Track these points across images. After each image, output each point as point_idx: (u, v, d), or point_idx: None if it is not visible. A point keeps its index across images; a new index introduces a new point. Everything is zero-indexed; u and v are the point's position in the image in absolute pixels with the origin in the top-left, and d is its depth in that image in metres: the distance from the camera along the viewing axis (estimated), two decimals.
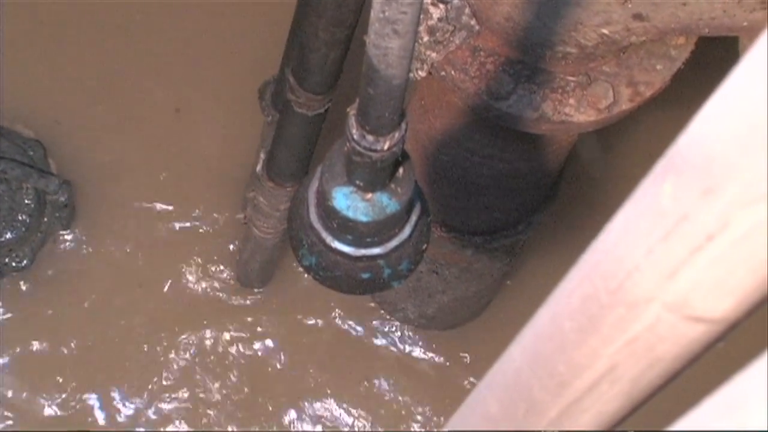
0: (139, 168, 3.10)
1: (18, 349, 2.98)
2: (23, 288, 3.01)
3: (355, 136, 1.23)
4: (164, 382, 3.01)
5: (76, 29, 3.14)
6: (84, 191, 3.06)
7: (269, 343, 3.08)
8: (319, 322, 3.11)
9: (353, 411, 3.07)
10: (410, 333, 3.13)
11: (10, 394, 2.95)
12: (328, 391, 3.07)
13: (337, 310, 3.11)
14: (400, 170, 1.34)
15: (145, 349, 3.02)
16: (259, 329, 3.08)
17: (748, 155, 0.55)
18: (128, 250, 3.06)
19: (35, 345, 2.99)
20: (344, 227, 1.37)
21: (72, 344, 3.00)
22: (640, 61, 1.85)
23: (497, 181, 2.22)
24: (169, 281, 3.07)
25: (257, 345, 3.07)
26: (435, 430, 3.05)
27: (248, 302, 3.09)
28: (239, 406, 3.03)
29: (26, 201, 2.94)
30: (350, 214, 1.34)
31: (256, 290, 3.09)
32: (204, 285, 3.08)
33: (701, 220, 0.58)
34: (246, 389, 3.04)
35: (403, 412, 3.09)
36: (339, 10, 1.92)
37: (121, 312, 3.03)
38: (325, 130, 2.34)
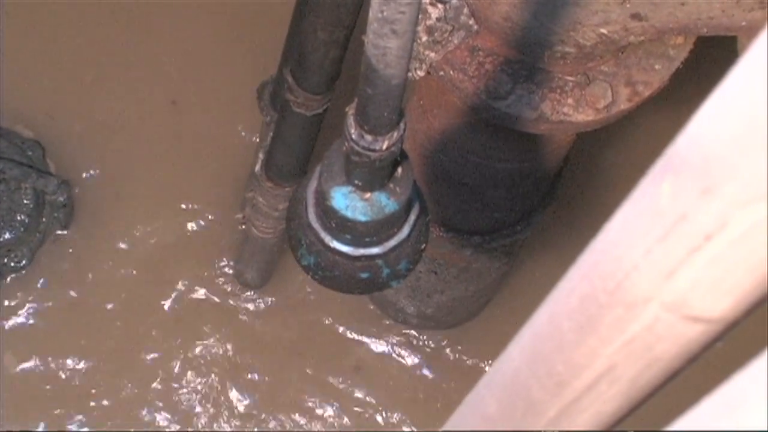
0: (139, 168, 3.10)
1: (16, 349, 2.98)
2: (22, 288, 3.01)
3: (353, 136, 1.23)
4: (163, 382, 3.01)
5: (76, 30, 3.14)
6: (82, 191, 3.06)
7: (268, 343, 3.08)
8: (318, 321, 3.10)
9: (351, 411, 3.07)
10: (409, 333, 3.13)
11: (6, 394, 2.95)
12: (327, 391, 3.07)
13: (335, 310, 3.11)
14: (399, 170, 1.34)
15: (144, 349, 3.02)
16: (258, 329, 3.08)
17: (747, 155, 0.55)
18: (127, 250, 3.06)
19: (35, 345, 2.99)
20: (343, 227, 1.37)
21: (71, 344, 3.00)
22: (638, 61, 1.85)
23: (496, 181, 2.21)
24: (168, 281, 3.07)
25: (257, 345, 3.07)
26: (434, 430, 3.05)
27: (247, 302, 3.09)
28: (239, 406, 3.03)
29: (25, 201, 2.94)
30: (349, 213, 1.34)
31: (255, 290, 3.09)
32: (203, 284, 3.08)
33: (700, 220, 0.58)
34: (246, 390, 3.04)
35: (400, 413, 3.08)
36: (337, 10, 1.92)
37: (120, 312, 3.03)
38: (323, 130, 2.34)
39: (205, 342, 3.04)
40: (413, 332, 3.12)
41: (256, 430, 3.02)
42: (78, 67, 3.12)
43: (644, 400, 0.72)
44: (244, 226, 2.85)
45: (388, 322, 3.12)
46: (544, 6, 1.69)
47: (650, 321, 0.64)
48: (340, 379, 3.08)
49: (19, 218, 2.93)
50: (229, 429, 3.02)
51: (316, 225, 1.40)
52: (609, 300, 0.66)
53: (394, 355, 3.11)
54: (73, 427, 2.97)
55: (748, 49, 0.56)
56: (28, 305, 3.01)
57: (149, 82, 3.14)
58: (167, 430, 2.99)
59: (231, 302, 3.08)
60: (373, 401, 3.08)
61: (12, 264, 2.97)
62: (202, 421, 3.01)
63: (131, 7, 3.16)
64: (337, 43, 2.00)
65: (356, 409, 3.07)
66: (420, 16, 1.75)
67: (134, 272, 3.05)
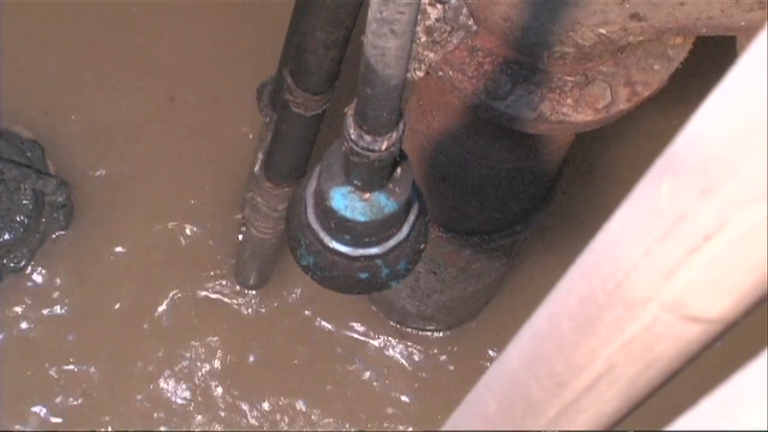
0: (138, 169, 3.10)
1: (16, 350, 2.98)
2: (21, 289, 3.01)
3: (352, 136, 1.23)
4: (163, 383, 3.01)
5: (76, 30, 3.14)
6: (82, 192, 3.06)
7: (268, 343, 3.08)
8: (318, 322, 3.10)
9: (351, 412, 3.07)
10: (408, 333, 3.13)
11: (5, 395, 2.95)
12: (326, 391, 3.07)
13: (335, 310, 3.11)
14: (398, 170, 1.34)
15: (144, 349, 3.02)
16: (257, 330, 3.08)
17: (746, 155, 0.55)
18: (126, 251, 3.06)
19: (34, 346, 2.99)
20: (342, 227, 1.37)
21: (71, 346, 3.00)
22: (637, 61, 1.85)
23: (495, 181, 2.22)
24: (168, 281, 3.07)
25: (256, 346, 3.07)
26: (433, 430, 3.05)
27: (247, 303, 3.09)
28: (238, 407, 3.03)
29: (24, 202, 2.94)
30: (348, 214, 1.34)
31: (254, 291, 3.09)
32: (202, 285, 3.08)
33: (699, 220, 0.58)
34: (246, 390, 3.04)
35: (400, 413, 3.08)
36: (336, 10, 1.92)
37: (120, 312, 3.03)
38: (323, 130, 2.34)
39: (204, 342, 3.04)
40: (413, 332, 3.12)
41: (255, 430, 3.02)
42: (78, 67, 3.12)
43: (644, 400, 0.72)
44: (243, 227, 2.85)
45: (387, 323, 3.12)
46: (543, 6, 1.69)
47: (649, 321, 0.64)
48: (340, 380, 3.08)
49: (18, 219, 2.93)
50: (229, 429, 3.02)
51: (315, 225, 1.40)
52: (608, 300, 0.66)
53: (393, 355, 3.11)
54: (73, 427, 2.97)
55: (748, 49, 0.56)
56: (27, 306, 3.01)
57: (149, 82, 3.14)
58: (164, 430, 2.99)
59: (230, 303, 3.08)
60: (373, 401, 3.08)
61: (11, 265, 2.97)
62: (202, 422, 3.01)
63: (131, 8, 3.16)
64: (337, 43, 2.00)
65: (356, 409, 3.07)
66: (419, 17, 1.75)
67: (134, 272, 3.05)
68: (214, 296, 3.08)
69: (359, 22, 1.81)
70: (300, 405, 3.05)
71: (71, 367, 2.99)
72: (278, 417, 3.04)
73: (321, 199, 1.36)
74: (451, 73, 1.86)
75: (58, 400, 2.97)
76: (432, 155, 2.21)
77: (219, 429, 3.01)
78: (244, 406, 3.03)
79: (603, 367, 0.69)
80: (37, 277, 3.02)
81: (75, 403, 2.98)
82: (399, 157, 1.31)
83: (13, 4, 3.12)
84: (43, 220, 2.99)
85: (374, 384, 3.08)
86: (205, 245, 3.09)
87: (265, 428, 3.03)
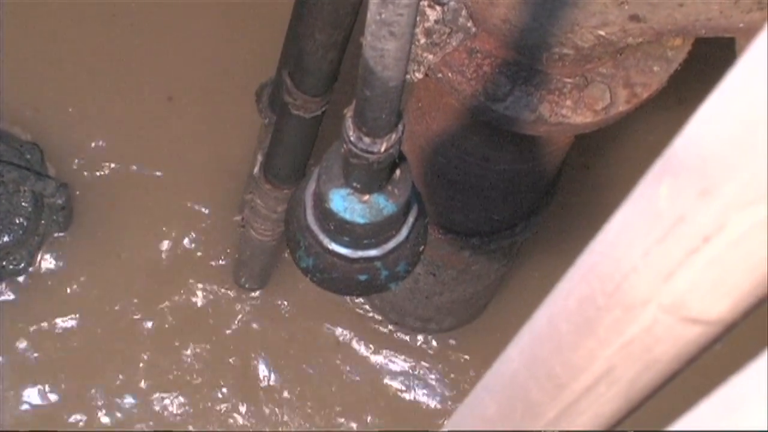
0: (137, 171, 3.10)
1: (14, 351, 2.98)
2: (21, 291, 3.01)
3: (351, 138, 1.23)
4: (162, 384, 3.01)
5: (76, 32, 3.14)
6: (81, 194, 3.06)
7: (268, 344, 3.08)
8: (317, 324, 3.10)
9: (351, 412, 3.07)
10: (408, 335, 3.12)
11: (7, 394, 2.95)
12: (326, 392, 3.07)
13: (334, 312, 3.11)
14: (397, 172, 1.34)
15: (143, 350, 3.02)
16: (257, 331, 3.08)
17: (745, 156, 0.55)
18: (125, 252, 3.06)
19: (33, 346, 2.99)
20: (341, 229, 1.37)
21: (70, 346, 3.00)
22: (636, 63, 1.85)
23: (495, 183, 2.22)
24: (167, 282, 3.06)
25: (256, 347, 3.07)
26: (433, 431, 3.05)
27: (246, 304, 3.09)
28: (238, 407, 3.03)
29: (23, 204, 2.94)
30: (347, 216, 1.34)
31: (254, 292, 3.09)
32: (201, 286, 3.08)
33: (698, 221, 0.58)
34: (245, 391, 3.04)
35: (401, 413, 3.08)
36: (336, 12, 1.92)
37: (119, 313, 3.03)
38: (322, 132, 2.34)
39: (203, 344, 3.04)
40: (412, 334, 3.12)
41: (254, 430, 3.03)
42: (77, 69, 3.12)
43: (643, 401, 0.71)
44: (242, 229, 2.85)
45: (387, 325, 3.12)
46: (542, 8, 1.69)
47: (649, 323, 0.64)
48: (340, 381, 3.08)
49: (17, 221, 2.93)
50: (227, 429, 3.02)
51: (314, 227, 1.40)
52: (607, 302, 0.66)
53: (393, 357, 3.11)
54: (72, 427, 2.97)
55: (747, 51, 0.56)
56: (26, 307, 3.01)
57: (149, 84, 3.14)
58: (166, 430, 3.00)
59: (230, 304, 3.08)
60: (373, 401, 3.08)
61: (11, 267, 2.97)
62: (202, 423, 3.01)
63: (131, 10, 3.16)
64: (336, 45, 2.00)
65: (356, 409, 3.07)
66: (418, 19, 1.75)
67: (133, 273, 3.05)
68: (213, 297, 3.08)
69: (358, 23, 1.81)
70: (300, 405, 3.05)
71: (70, 366, 2.99)
72: (278, 417, 3.04)
73: (320, 201, 1.36)
74: (450, 74, 1.86)
75: (58, 399, 2.97)
76: (431, 157, 2.21)
77: (218, 429, 3.01)
78: (244, 407, 3.03)
79: (602, 369, 0.69)
80: (37, 279, 3.02)
81: (74, 403, 2.98)
82: (398, 159, 1.31)
83: (13, 5, 3.12)
84: (43, 222, 2.99)
85: (374, 384, 3.08)
86: (204, 247, 3.09)
87: (265, 429, 3.03)
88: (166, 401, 3.01)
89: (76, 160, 3.08)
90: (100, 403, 2.99)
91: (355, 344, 3.10)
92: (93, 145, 3.09)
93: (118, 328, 3.02)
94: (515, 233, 2.46)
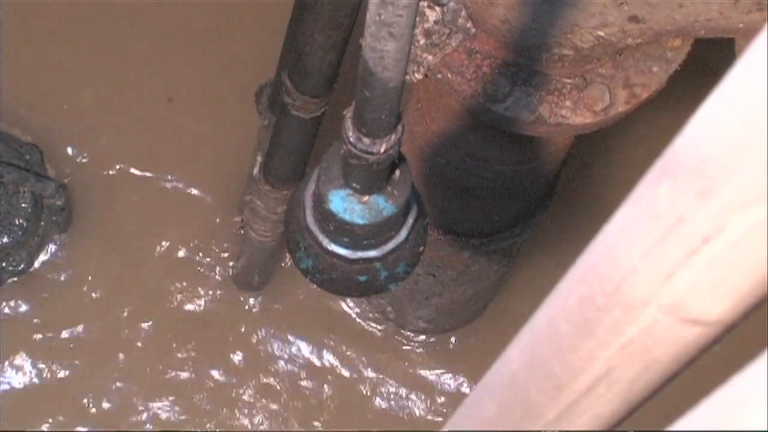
0: (137, 172, 3.10)
1: (14, 352, 2.98)
2: (21, 292, 3.01)
3: (351, 139, 1.23)
4: (162, 385, 3.01)
5: (76, 33, 3.14)
6: (81, 195, 3.06)
7: (268, 345, 3.07)
8: (317, 324, 3.10)
9: (351, 412, 3.07)
10: (408, 336, 3.12)
11: (3, 398, 2.95)
12: (326, 392, 3.06)
13: (334, 312, 3.11)
14: (397, 173, 1.34)
15: (143, 351, 3.02)
16: (257, 332, 3.08)
17: (745, 157, 0.55)
18: (125, 253, 3.06)
19: (33, 347, 2.99)
20: (341, 230, 1.37)
21: (70, 347, 3.00)
22: (636, 63, 1.85)
23: (494, 184, 2.21)
24: (166, 283, 3.06)
25: (256, 347, 3.07)
26: (433, 430, 3.05)
27: (246, 305, 3.09)
28: (238, 408, 3.03)
29: (23, 205, 2.94)
30: (347, 216, 1.34)
31: (253, 293, 3.09)
32: (201, 287, 3.08)
33: (697, 222, 0.58)
34: (245, 392, 3.04)
35: (399, 415, 3.08)
36: (335, 13, 1.92)
37: (118, 315, 3.03)
38: (321, 132, 2.34)
39: (203, 345, 3.04)
40: (412, 335, 3.12)
41: (254, 431, 3.03)
42: (77, 70, 3.12)
43: (643, 402, 0.71)
44: (242, 230, 2.85)
45: (386, 326, 3.12)
46: (541, 8, 1.69)
47: (648, 324, 0.64)
48: (340, 382, 3.07)
49: (17, 222, 2.93)
50: (225, 429, 3.02)
51: (314, 228, 1.40)
52: (607, 302, 0.66)
53: (393, 358, 3.11)
54: (73, 428, 2.97)
55: (746, 52, 0.56)
56: (26, 309, 3.01)
57: (148, 85, 3.14)
58: (166, 430, 3.00)
59: (229, 305, 3.08)
60: (373, 402, 3.08)
61: (10, 268, 2.96)
62: (201, 424, 3.01)
63: (132, 10, 3.16)
64: (335, 46, 2.00)
65: (356, 410, 3.07)
66: (417, 19, 1.75)
67: (133, 274, 3.05)
68: (212, 298, 3.08)
69: (358, 24, 1.81)
70: (300, 405, 3.05)
71: (70, 367, 2.99)
72: (278, 418, 3.04)
73: (320, 201, 1.36)
74: (449, 75, 1.86)
75: (57, 400, 2.97)
76: (430, 158, 2.21)
77: (217, 429, 3.01)
78: (244, 407, 3.03)
79: (602, 370, 0.69)
80: (36, 280, 3.01)
81: (73, 404, 2.98)
82: (398, 160, 1.31)
83: (13, 5, 3.12)
84: (42, 223, 2.99)
85: (373, 384, 3.08)
86: (205, 247, 3.09)
87: (265, 429, 3.03)
88: (166, 402, 3.01)
89: (76, 161, 3.08)
90: (99, 403, 2.98)
91: (355, 344, 3.10)
92: (93, 145, 3.09)
93: (118, 328, 3.02)
94: (515, 234, 2.46)
